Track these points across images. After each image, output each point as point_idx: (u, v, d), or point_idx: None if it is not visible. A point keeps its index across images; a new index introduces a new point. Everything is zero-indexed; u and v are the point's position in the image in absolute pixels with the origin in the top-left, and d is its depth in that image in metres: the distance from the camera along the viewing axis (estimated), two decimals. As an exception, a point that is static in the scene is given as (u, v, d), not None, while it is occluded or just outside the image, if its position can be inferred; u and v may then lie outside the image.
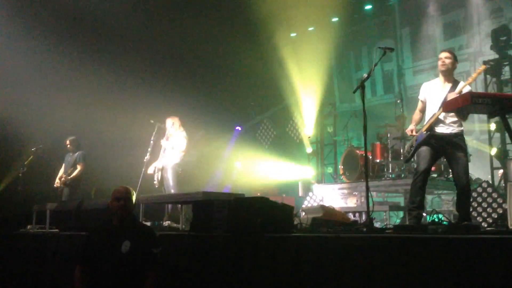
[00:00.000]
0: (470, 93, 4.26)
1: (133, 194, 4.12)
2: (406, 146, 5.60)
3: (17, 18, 10.04)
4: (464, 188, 5.12)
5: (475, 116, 9.26)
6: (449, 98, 5.00)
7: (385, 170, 8.62)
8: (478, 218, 7.36)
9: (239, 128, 13.87)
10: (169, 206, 7.50)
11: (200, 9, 11.39)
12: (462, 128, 5.29)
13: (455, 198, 8.21)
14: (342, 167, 9.54)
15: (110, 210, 4.08)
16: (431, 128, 5.27)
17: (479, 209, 7.38)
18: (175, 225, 6.75)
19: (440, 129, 5.27)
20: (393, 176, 8.41)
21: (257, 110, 13.70)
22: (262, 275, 3.91)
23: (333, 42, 12.45)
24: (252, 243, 4.09)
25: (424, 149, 5.34)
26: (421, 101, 5.64)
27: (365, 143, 4.93)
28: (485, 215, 7.30)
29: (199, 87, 12.04)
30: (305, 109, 11.94)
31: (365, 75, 4.87)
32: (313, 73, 12.11)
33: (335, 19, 12.19)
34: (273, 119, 13.06)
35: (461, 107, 4.43)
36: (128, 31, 10.94)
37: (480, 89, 9.30)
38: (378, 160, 8.76)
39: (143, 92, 11.03)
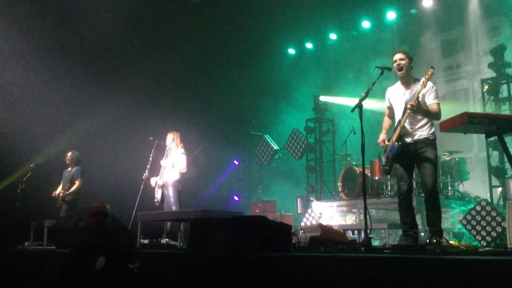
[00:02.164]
0: (467, 113, 4.28)
1: (109, 211, 4.03)
2: (382, 158, 5.57)
3: (22, 37, 10.13)
4: (429, 192, 5.08)
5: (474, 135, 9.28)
6: (408, 106, 5.03)
7: (384, 187, 8.61)
8: (477, 237, 7.35)
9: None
10: (168, 223, 7.48)
11: (200, 28, 11.48)
12: (432, 130, 5.22)
13: (453, 215, 8.29)
14: (340, 184, 9.54)
15: (87, 228, 3.99)
16: (400, 138, 5.26)
17: (478, 227, 7.36)
18: (173, 242, 6.73)
19: (409, 138, 5.24)
20: (392, 193, 8.40)
21: (257, 126, 13.72)
22: (260, 295, 3.89)
23: (331, 59, 12.55)
24: (250, 263, 4.07)
25: (399, 167, 5.32)
26: (388, 107, 5.62)
27: (363, 161, 4.94)
28: (484, 234, 7.28)
29: (198, 104, 12.09)
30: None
31: (362, 94, 4.90)
32: (312, 90, 12.18)
33: (333, 36, 12.28)
34: (272, 136, 13.08)
35: (458, 126, 4.45)
36: (129, 50, 11.04)
37: (478, 107, 9.33)
38: (377, 178, 8.77)
39: (142, 110, 11.08)
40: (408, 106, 5.02)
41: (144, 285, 4.13)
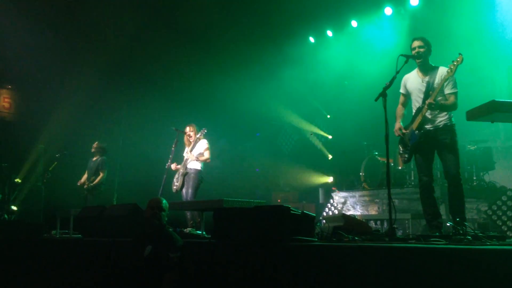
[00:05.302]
0: (494, 102, 4.19)
1: (165, 206, 4.54)
2: (399, 146, 5.54)
3: (46, 31, 10.31)
4: (453, 181, 5.05)
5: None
6: (426, 103, 5.00)
7: (407, 177, 8.53)
8: (503, 227, 7.23)
9: (258, 134, 13.89)
10: (188, 213, 7.53)
11: (220, 15, 11.45)
12: (451, 116, 5.20)
13: (479, 205, 8.17)
14: (363, 174, 9.47)
15: (144, 218, 4.51)
16: (421, 126, 5.20)
17: (504, 218, 7.26)
18: (196, 232, 6.77)
19: (429, 125, 5.21)
20: (416, 183, 8.31)
21: (278, 116, 13.65)
22: (283, 284, 3.89)
23: (352, 47, 12.34)
24: (274, 252, 4.08)
25: (419, 158, 5.30)
26: (402, 94, 5.59)
27: (387, 151, 4.88)
28: (510, 224, 7.18)
29: (219, 94, 12.09)
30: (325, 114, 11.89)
31: (387, 83, 4.84)
32: (334, 78, 12.04)
33: (354, 24, 12.08)
34: (294, 125, 13.02)
35: (485, 115, 4.38)
36: (152, 41, 11.11)
37: (504, 96, 9.13)
38: (400, 168, 8.68)
39: (166, 101, 11.15)
40: (426, 102, 5.00)
41: (182, 273, 4.40)
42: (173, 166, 7.81)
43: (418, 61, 5.27)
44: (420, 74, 5.34)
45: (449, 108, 5.13)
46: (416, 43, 5.26)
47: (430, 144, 5.22)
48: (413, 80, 5.40)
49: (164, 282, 4.15)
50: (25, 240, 7.26)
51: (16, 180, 10.50)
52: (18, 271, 6.84)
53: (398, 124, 5.49)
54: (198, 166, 7.68)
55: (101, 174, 8.91)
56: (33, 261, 6.82)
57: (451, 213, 5.09)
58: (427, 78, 5.23)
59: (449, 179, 5.11)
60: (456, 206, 5.04)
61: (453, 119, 5.23)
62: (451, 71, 4.92)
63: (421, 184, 5.31)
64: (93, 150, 9.15)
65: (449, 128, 5.15)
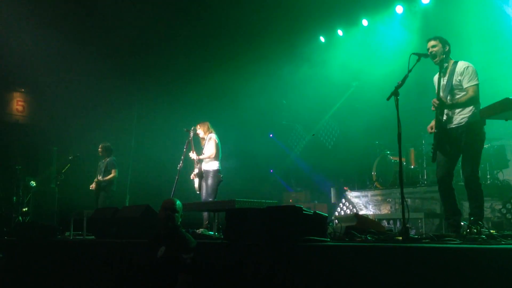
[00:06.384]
0: (508, 100, 4.15)
1: (179, 207, 4.54)
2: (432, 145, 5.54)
3: (57, 38, 10.40)
4: (466, 180, 5.02)
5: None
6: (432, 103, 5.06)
7: (420, 176, 8.47)
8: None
9: (272, 135, 13.90)
10: (205, 214, 7.53)
11: (229, 14, 11.45)
12: (474, 113, 5.04)
13: (493, 204, 8.08)
14: (375, 173, 9.43)
15: (158, 220, 4.55)
16: (438, 125, 5.16)
17: (525, 216, 7.17)
18: (209, 232, 6.79)
19: (450, 124, 5.15)
20: (428, 182, 8.26)
21: (289, 115, 13.63)
22: (296, 285, 3.88)
23: (363, 47, 12.27)
24: (286, 252, 4.07)
25: (440, 155, 5.23)
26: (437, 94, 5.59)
27: (400, 150, 4.84)
28: (525, 223, 7.08)
29: (230, 94, 12.09)
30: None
31: (399, 82, 4.80)
32: (345, 77, 11.99)
33: (365, 23, 12.01)
34: (304, 124, 13.00)
35: (499, 113, 4.34)
36: (160, 43, 11.14)
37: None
38: (412, 167, 8.62)
39: (177, 101, 11.17)
40: (432, 103, 5.00)
41: (195, 274, 4.44)
42: (191, 176, 7.83)
43: (434, 61, 5.25)
44: (442, 73, 5.33)
45: (466, 103, 5.03)
46: (429, 44, 5.25)
47: (451, 142, 5.16)
48: (437, 81, 5.40)
49: (177, 283, 4.21)
50: (39, 241, 7.33)
51: (30, 182, 10.60)
52: (32, 272, 6.90)
53: (433, 122, 5.46)
54: (215, 166, 7.62)
55: (112, 173, 8.93)
56: (47, 262, 6.88)
57: (470, 213, 5.08)
58: (446, 77, 5.21)
59: (463, 179, 5.10)
60: (472, 206, 5.01)
61: (476, 115, 5.08)
62: (447, 70, 5.08)
63: (438, 180, 5.30)
64: (100, 153, 9.20)
65: (470, 126, 5.04)
